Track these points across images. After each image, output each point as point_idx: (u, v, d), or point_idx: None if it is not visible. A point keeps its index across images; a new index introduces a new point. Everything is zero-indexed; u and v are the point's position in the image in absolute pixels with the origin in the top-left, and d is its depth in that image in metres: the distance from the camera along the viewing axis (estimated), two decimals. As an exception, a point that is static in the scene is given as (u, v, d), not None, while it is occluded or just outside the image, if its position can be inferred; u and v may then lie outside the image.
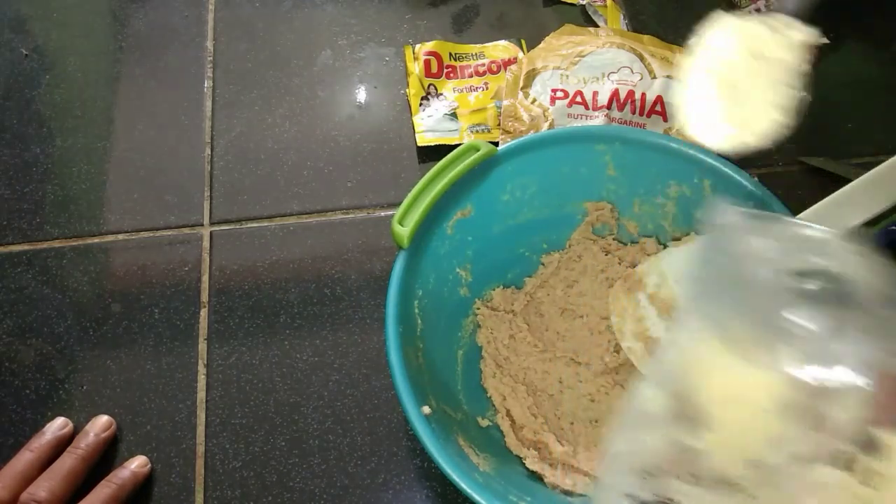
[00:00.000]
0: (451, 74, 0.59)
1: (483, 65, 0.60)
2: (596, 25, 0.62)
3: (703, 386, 0.27)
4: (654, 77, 0.55)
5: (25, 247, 0.54)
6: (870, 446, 0.25)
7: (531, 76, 0.56)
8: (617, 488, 0.28)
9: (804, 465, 0.25)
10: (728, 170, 0.45)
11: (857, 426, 0.25)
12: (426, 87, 0.59)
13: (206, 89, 0.60)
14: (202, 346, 0.50)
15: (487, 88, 0.59)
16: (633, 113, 0.54)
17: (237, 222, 0.55)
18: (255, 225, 0.55)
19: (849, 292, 0.27)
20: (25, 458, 0.43)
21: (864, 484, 0.25)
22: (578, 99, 0.54)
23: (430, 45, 0.60)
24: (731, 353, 0.27)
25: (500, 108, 0.57)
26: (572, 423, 0.46)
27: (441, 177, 0.43)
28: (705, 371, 0.27)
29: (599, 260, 0.50)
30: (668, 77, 0.55)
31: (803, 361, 0.25)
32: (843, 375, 0.25)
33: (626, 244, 0.50)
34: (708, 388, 0.27)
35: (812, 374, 0.25)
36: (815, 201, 0.41)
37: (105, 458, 0.46)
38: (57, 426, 0.46)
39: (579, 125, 0.54)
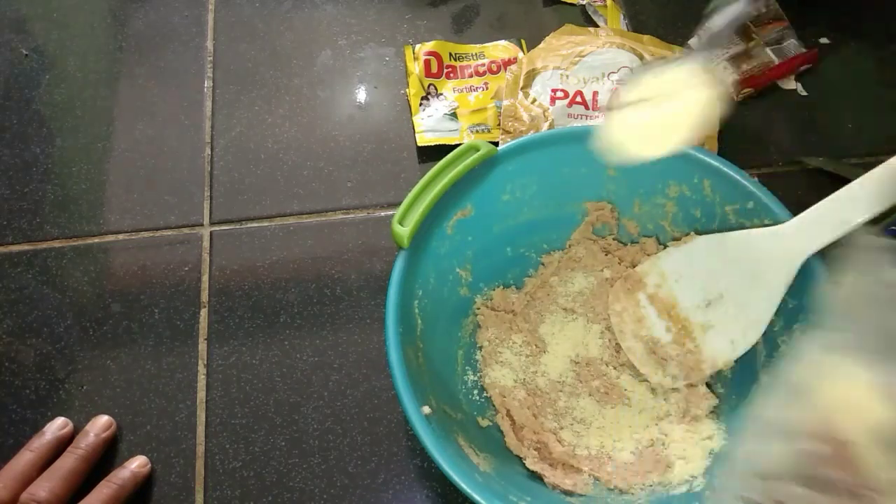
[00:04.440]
0: (451, 74, 0.59)
1: (483, 65, 0.60)
2: (596, 25, 0.62)
3: (828, 395, 0.27)
4: (654, 77, 0.55)
5: (25, 247, 0.54)
6: None
7: (531, 76, 0.56)
8: (735, 491, 0.29)
9: None
10: (728, 170, 0.45)
11: None
12: (426, 87, 0.59)
13: (206, 89, 0.60)
14: (202, 346, 0.50)
15: (487, 88, 0.59)
16: (633, 113, 0.54)
17: (237, 222, 0.55)
18: (255, 225, 0.55)
19: None
20: (25, 458, 0.43)
21: None
22: (578, 99, 0.54)
23: (430, 45, 0.60)
24: (865, 369, 0.27)
25: (500, 108, 0.57)
26: (572, 423, 0.46)
27: (441, 177, 0.43)
28: (831, 382, 0.28)
29: (599, 260, 0.50)
30: (668, 77, 0.55)
31: None
32: None
33: (626, 244, 0.50)
34: (831, 397, 0.27)
35: None
36: (815, 201, 0.41)
37: (105, 458, 0.46)
38: (57, 426, 0.46)
39: (579, 125, 0.54)
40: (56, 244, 0.54)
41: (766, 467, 0.28)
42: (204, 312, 0.51)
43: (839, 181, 0.43)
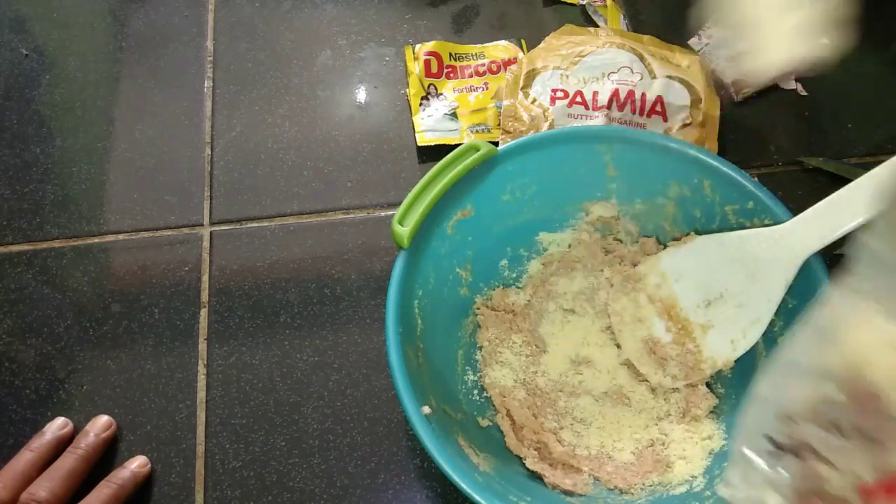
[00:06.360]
0: (451, 74, 0.59)
1: (483, 65, 0.60)
2: (596, 25, 0.62)
3: (854, 342, 0.28)
4: (654, 77, 0.55)
5: (25, 247, 0.54)
6: None
7: (531, 76, 0.56)
8: (759, 429, 0.30)
9: None
10: (728, 170, 0.45)
11: None
12: (426, 86, 0.59)
13: (206, 89, 0.60)
14: (202, 346, 0.50)
15: (487, 88, 0.59)
16: (633, 113, 0.54)
17: (237, 222, 0.55)
18: (255, 225, 0.55)
19: None
20: (25, 457, 0.43)
21: None
22: (578, 99, 0.54)
23: (430, 45, 0.60)
24: (889, 320, 0.27)
25: (500, 108, 0.57)
26: (572, 423, 0.46)
27: (441, 177, 0.43)
28: (858, 329, 0.28)
29: (599, 260, 0.50)
30: (669, 77, 0.55)
31: None
32: None
33: (626, 244, 0.50)
34: (858, 345, 0.28)
35: None
36: (815, 201, 0.41)
37: (105, 458, 0.46)
38: (57, 426, 0.46)
39: (579, 125, 0.54)
40: (56, 244, 0.54)
41: (791, 408, 0.29)
42: (204, 312, 0.51)
43: (839, 181, 0.43)
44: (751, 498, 0.30)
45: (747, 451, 0.30)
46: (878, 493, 0.27)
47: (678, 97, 0.54)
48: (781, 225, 0.42)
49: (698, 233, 0.47)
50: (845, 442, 0.27)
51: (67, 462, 0.43)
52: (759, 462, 0.29)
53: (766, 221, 0.44)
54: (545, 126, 0.54)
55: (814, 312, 0.30)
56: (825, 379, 0.28)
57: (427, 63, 0.59)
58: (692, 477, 0.43)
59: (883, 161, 0.39)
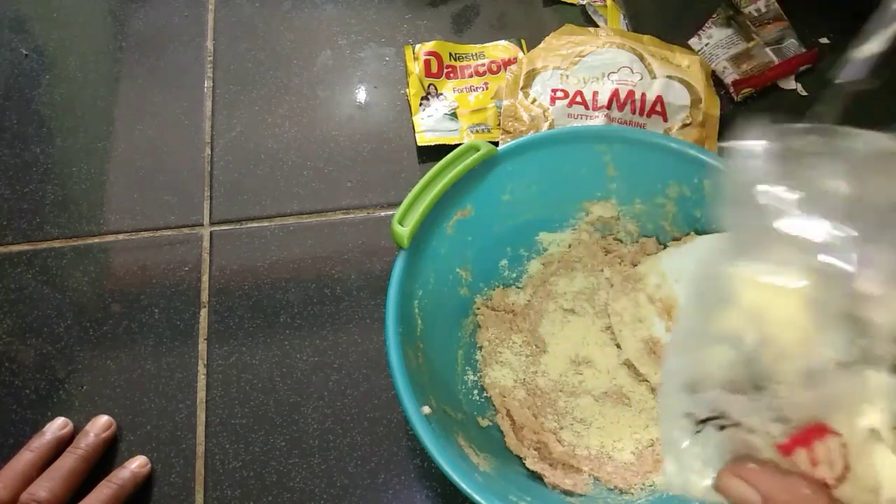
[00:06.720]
0: (451, 74, 0.59)
1: (483, 65, 0.60)
2: (596, 25, 0.62)
3: (745, 303, 0.28)
4: (654, 77, 0.55)
5: (25, 247, 0.54)
6: None
7: (531, 76, 0.56)
8: (677, 409, 0.29)
9: (850, 369, 0.25)
10: (728, 170, 0.45)
11: None
12: (426, 86, 0.59)
13: (206, 89, 0.60)
14: (202, 346, 0.50)
15: (487, 88, 0.59)
16: (633, 113, 0.54)
17: (237, 222, 0.55)
18: (255, 225, 0.55)
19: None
20: (25, 458, 0.43)
21: None
22: (578, 99, 0.54)
23: (430, 45, 0.60)
24: (767, 270, 0.27)
25: (500, 108, 0.57)
26: (572, 423, 0.46)
27: (441, 177, 0.43)
28: (745, 285, 0.28)
29: (599, 260, 0.50)
30: (669, 77, 0.55)
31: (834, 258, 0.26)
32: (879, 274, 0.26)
33: (626, 244, 0.50)
34: (749, 304, 0.28)
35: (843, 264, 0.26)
36: (815, 201, 0.41)
37: (105, 458, 0.46)
38: (57, 426, 0.46)
39: (579, 125, 0.54)
40: (56, 244, 0.54)
41: (701, 378, 0.29)
42: (204, 312, 0.51)
43: (839, 181, 0.43)
44: (685, 481, 0.29)
45: (672, 434, 0.30)
46: (793, 448, 0.27)
47: (678, 97, 0.54)
48: (781, 225, 0.42)
49: (698, 233, 0.47)
50: (756, 401, 0.27)
51: (67, 462, 0.43)
52: (686, 442, 0.29)
53: (766, 221, 0.44)
54: (545, 126, 0.54)
55: (695, 284, 0.30)
56: (730, 341, 0.28)
57: (427, 63, 0.59)
58: (692, 477, 0.43)
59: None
